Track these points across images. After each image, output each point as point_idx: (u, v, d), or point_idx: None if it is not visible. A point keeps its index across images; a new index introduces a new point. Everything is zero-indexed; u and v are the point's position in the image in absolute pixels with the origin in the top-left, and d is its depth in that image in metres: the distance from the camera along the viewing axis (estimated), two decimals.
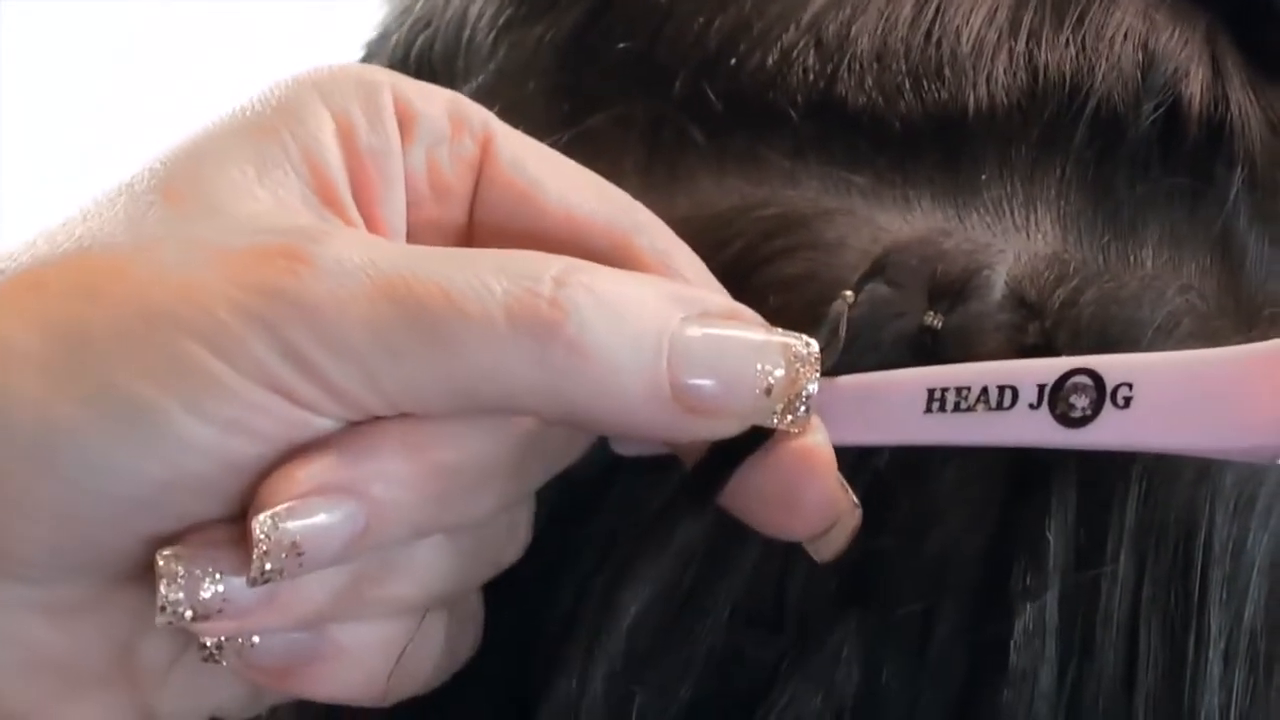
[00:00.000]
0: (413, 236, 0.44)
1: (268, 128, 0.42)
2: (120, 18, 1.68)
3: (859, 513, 0.43)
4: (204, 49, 1.59)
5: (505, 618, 0.46)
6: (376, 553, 0.42)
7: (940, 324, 0.44)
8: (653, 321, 0.41)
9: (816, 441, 0.43)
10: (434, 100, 0.44)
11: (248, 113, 0.43)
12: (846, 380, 0.45)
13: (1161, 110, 0.46)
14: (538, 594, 0.46)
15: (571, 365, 0.40)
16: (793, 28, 0.47)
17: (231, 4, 1.64)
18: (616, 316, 0.41)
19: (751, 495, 0.43)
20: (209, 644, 0.43)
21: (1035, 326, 0.44)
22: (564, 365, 0.40)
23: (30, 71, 1.68)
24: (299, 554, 0.40)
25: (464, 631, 0.45)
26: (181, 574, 0.40)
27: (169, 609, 0.40)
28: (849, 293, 0.44)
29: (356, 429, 0.41)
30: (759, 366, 0.42)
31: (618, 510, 0.46)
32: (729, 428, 0.42)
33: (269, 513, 0.40)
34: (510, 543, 0.45)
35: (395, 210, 0.44)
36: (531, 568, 0.46)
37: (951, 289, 0.44)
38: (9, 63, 1.66)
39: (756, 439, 0.43)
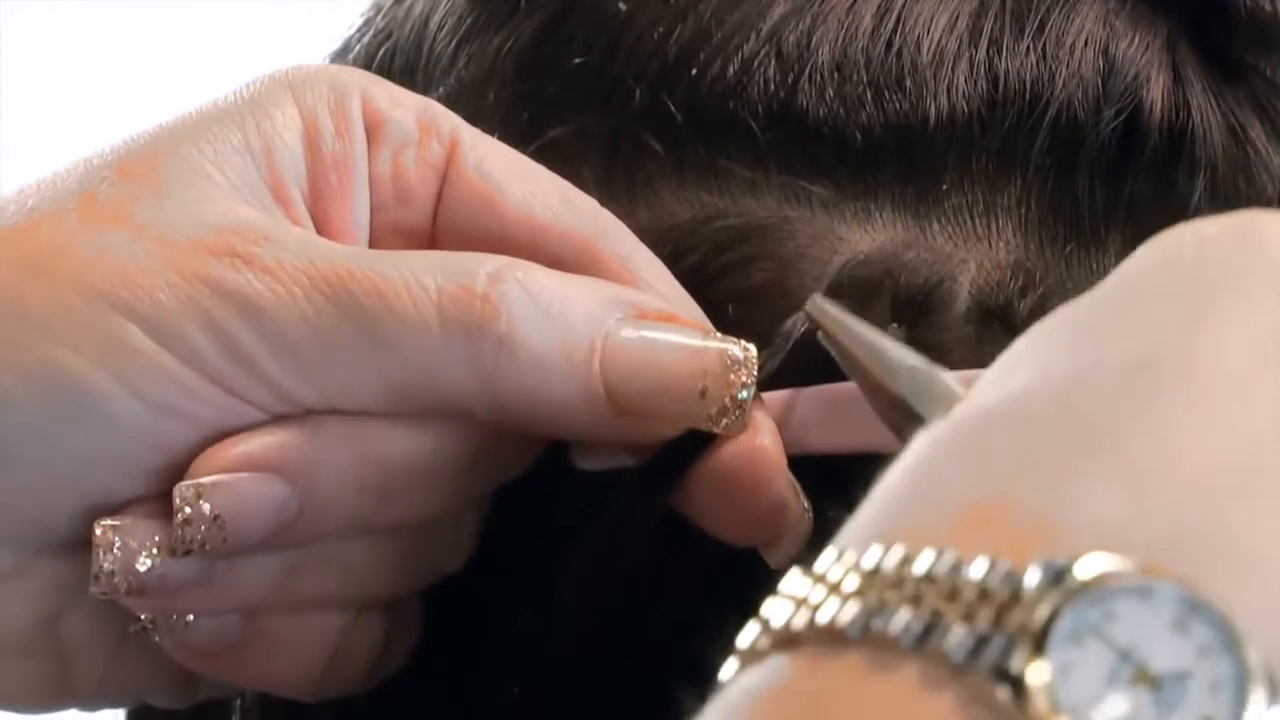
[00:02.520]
0: (376, 239, 0.45)
1: (234, 116, 0.43)
2: (120, 18, 1.68)
3: (810, 518, 0.43)
4: (205, 50, 1.59)
5: (446, 629, 0.47)
6: (314, 543, 0.43)
7: (904, 336, 0.44)
8: (586, 321, 0.42)
9: (765, 444, 0.43)
10: (404, 106, 0.45)
11: (219, 103, 0.44)
12: (815, 390, 0.44)
13: (1122, 117, 0.46)
14: (478, 605, 0.46)
15: (502, 362, 0.41)
16: (753, 37, 0.47)
17: (234, 5, 1.64)
18: (549, 315, 0.41)
19: (701, 498, 0.43)
20: (143, 618, 0.43)
21: (1008, 341, 0.43)
22: (494, 362, 0.41)
23: (30, 71, 1.68)
24: (222, 528, 0.41)
25: (400, 635, 0.46)
26: (118, 545, 0.41)
27: (103, 579, 0.41)
28: (818, 295, 0.44)
29: (301, 417, 0.41)
30: (693, 369, 0.42)
31: (558, 530, 0.46)
32: (664, 430, 0.43)
33: (192, 482, 0.41)
34: (451, 550, 0.45)
35: (357, 212, 0.44)
36: (474, 579, 0.46)
37: (914, 300, 0.44)
38: (9, 63, 1.67)
39: (701, 442, 0.43)
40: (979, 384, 0.35)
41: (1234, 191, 0.46)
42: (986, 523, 0.31)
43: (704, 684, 0.44)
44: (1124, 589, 0.29)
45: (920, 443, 0.34)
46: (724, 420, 0.42)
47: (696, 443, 0.43)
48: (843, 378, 0.44)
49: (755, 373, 0.43)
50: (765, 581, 0.43)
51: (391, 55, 0.51)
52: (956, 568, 0.30)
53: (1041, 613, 0.29)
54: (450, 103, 0.46)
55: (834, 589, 0.31)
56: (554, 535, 0.45)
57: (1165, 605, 0.29)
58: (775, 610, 0.32)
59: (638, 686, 0.45)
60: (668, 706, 0.45)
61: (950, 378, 0.42)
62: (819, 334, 0.43)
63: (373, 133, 0.44)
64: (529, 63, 0.49)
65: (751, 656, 0.32)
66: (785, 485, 0.43)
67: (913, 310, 0.44)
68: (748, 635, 0.32)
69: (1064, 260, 0.45)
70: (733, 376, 0.42)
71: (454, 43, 0.50)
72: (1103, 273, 0.45)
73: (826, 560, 0.32)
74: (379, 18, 0.53)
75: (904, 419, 0.42)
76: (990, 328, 0.44)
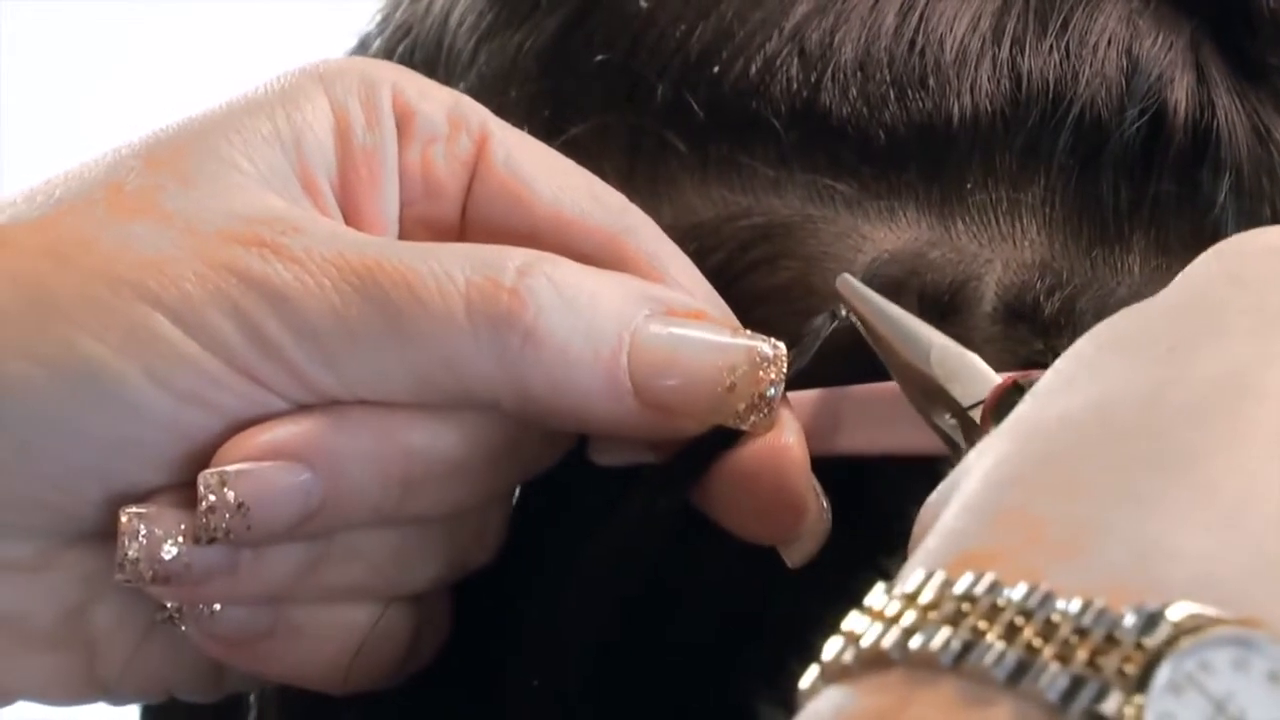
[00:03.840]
0: (405, 233, 0.45)
1: (264, 108, 0.43)
2: (121, 18, 1.68)
3: (829, 517, 0.43)
4: (209, 50, 1.59)
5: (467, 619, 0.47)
6: (339, 533, 0.43)
7: None
8: (614, 316, 0.42)
9: (789, 442, 0.43)
10: (433, 99, 0.45)
11: (249, 95, 0.44)
12: (843, 391, 0.44)
13: (1146, 116, 0.46)
14: (504, 601, 0.46)
15: (528, 355, 0.41)
16: (775, 36, 0.47)
17: (237, 5, 1.64)
18: (576, 309, 0.41)
19: (722, 494, 0.43)
20: (170, 606, 0.43)
21: (1040, 342, 0.43)
22: (520, 355, 0.41)
23: (30, 71, 1.68)
24: (246, 516, 0.41)
25: (429, 630, 0.46)
26: (143, 533, 0.41)
27: (128, 567, 0.41)
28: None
29: (326, 406, 0.42)
30: (721, 365, 0.42)
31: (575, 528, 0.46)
32: (691, 426, 0.43)
33: (216, 469, 0.41)
34: (480, 544, 0.45)
35: (387, 205, 0.44)
36: (502, 575, 0.46)
37: (940, 300, 0.44)
38: (9, 63, 1.66)
39: (726, 439, 0.43)
40: (1040, 384, 0.35)
41: (1258, 192, 0.46)
42: (1078, 552, 0.31)
43: (724, 679, 0.44)
44: (1220, 639, 0.29)
45: (1001, 446, 0.33)
46: (752, 417, 0.43)
47: (720, 439, 0.43)
48: (870, 373, 0.44)
49: (785, 370, 0.43)
50: (782, 579, 0.44)
51: (411, 51, 0.51)
52: (1049, 601, 0.30)
53: (1139, 659, 0.29)
54: (471, 99, 0.46)
55: (925, 612, 0.31)
56: (576, 530, 0.45)
57: (1260, 658, 0.29)
58: (863, 627, 0.32)
59: (660, 680, 0.45)
60: (689, 700, 0.45)
61: (979, 360, 0.42)
62: (847, 313, 0.44)
63: (403, 126, 0.44)
64: (550, 60, 0.49)
65: (836, 672, 0.32)
66: (806, 484, 0.43)
67: (938, 310, 0.44)
68: (833, 648, 0.32)
69: (1089, 260, 0.45)
70: (761, 374, 0.42)
71: (475, 39, 0.50)
72: (1128, 272, 0.45)
73: (915, 579, 0.32)
74: (398, 13, 0.53)
75: (931, 400, 0.42)
76: (1016, 328, 0.44)
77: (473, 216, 0.45)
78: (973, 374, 0.42)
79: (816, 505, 0.43)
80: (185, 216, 0.41)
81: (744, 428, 0.43)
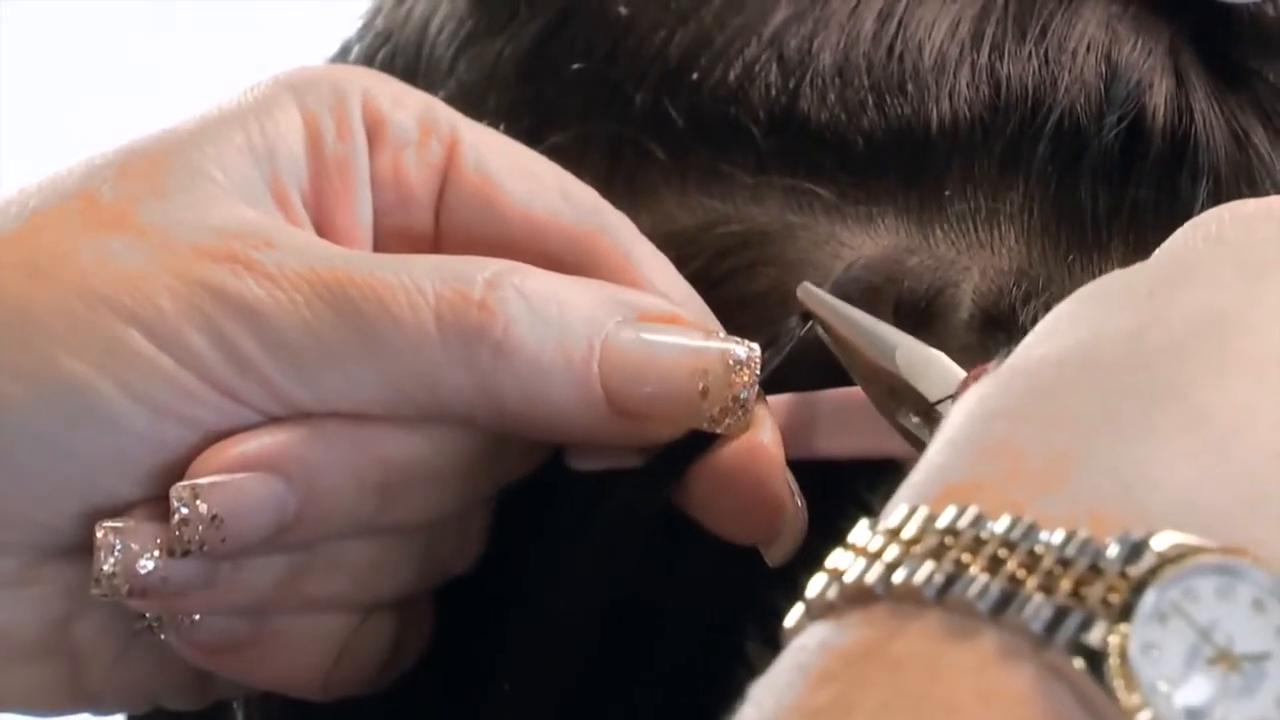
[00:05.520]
0: (381, 241, 0.45)
1: (238, 119, 0.43)
2: (119, 21, 1.68)
3: (804, 516, 0.43)
4: (204, 52, 1.59)
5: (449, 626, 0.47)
6: (317, 544, 0.43)
7: None
8: (584, 324, 0.42)
9: (765, 440, 0.43)
10: (405, 106, 0.45)
11: (222, 107, 0.44)
12: (820, 395, 0.44)
13: (1125, 122, 0.46)
14: (485, 606, 0.46)
15: (500, 367, 0.41)
16: (754, 42, 0.47)
17: (232, 8, 1.64)
18: (546, 319, 0.41)
19: (701, 494, 0.44)
20: (148, 615, 0.43)
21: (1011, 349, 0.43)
22: (492, 367, 0.41)
23: (30, 72, 1.68)
24: (220, 528, 0.41)
25: (411, 637, 0.46)
26: (119, 547, 0.41)
27: (104, 581, 0.41)
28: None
29: (300, 418, 0.42)
30: (693, 369, 0.42)
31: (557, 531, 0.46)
32: (665, 431, 0.43)
33: (188, 482, 0.41)
34: (460, 551, 0.45)
35: (361, 214, 0.44)
36: (484, 580, 0.46)
37: (917, 307, 0.44)
38: (9, 63, 1.67)
39: (702, 441, 0.43)
40: (1026, 340, 0.35)
41: (1236, 196, 0.46)
42: (1062, 482, 0.31)
43: (706, 679, 0.44)
44: (1204, 567, 0.29)
45: (983, 387, 0.34)
46: (726, 420, 0.43)
47: (696, 442, 0.43)
48: (843, 379, 0.44)
49: (758, 372, 0.43)
50: (764, 578, 0.44)
51: (391, 58, 0.51)
52: (1032, 532, 0.30)
53: (1123, 589, 0.29)
54: (450, 106, 0.46)
55: (908, 547, 0.31)
56: (557, 535, 0.45)
57: (1244, 585, 0.30)
58: (846, 563, 0.32)
59: (644, 682, 0.45)
60: (675, 703, 0.45)
61: (945, 357, 0.42)
62: (812, 320, 0.44)
63: (373, 134, 0.44)
64: (530, 67, 0.49)
65: (820, 608, 0.32)
66: (782, 482, 0.43)
67: (915, 317, 0.44)
68: (817, 585, 0.32)
69: (1066, 267, 0.45)
70: (734, 377, 0.42)
71: (454, 46, 0.50)
72: None
73: (899, 515, 0.32)
74: (378, 20, 0.53)
75: (899, 402, 0.42)
76: (993, 335, 0.44)
77: (446, 222, 0.45)
78: (940, 371, 0.42)
79: (793, 504, 0.43)
80: (160, 230, 0.41)
81: (719, 431, 0.43)
